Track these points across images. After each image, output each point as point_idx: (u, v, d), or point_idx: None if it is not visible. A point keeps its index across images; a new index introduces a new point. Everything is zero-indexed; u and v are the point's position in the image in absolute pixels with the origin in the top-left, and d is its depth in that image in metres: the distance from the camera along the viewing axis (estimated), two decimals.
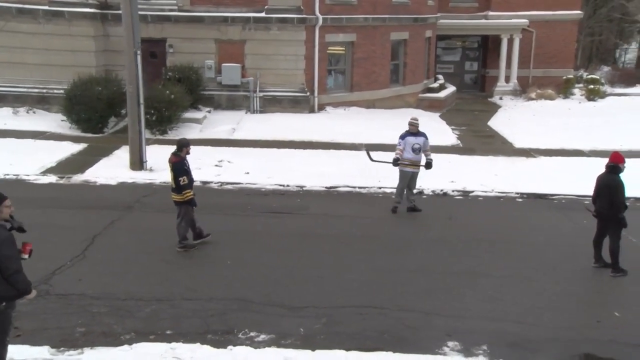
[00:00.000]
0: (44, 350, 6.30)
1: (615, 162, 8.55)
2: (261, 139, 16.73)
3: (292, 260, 8.94)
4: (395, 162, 11.24)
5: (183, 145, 9.11)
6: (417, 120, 11.30)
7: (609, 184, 8.44)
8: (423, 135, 11.26)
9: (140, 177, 13.07)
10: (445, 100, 23.74)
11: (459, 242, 9.83)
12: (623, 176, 8.60)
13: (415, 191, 12.36)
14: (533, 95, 25.27)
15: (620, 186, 8.39)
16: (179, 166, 8.96)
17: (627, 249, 9.01)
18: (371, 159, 12.23)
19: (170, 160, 9.09)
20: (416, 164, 11.21)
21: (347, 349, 6.52)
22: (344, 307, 7.49)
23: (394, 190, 11.53)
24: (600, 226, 8.78)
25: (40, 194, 11.87)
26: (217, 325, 7.00)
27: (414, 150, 11.08)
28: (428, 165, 11.33)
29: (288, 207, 11.44)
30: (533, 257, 9.25)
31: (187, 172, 9.02)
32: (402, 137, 11.22)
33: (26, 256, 5.65)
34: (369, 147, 15.41)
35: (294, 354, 6.42)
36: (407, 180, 11.24)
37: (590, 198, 9.15)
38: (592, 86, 25.59)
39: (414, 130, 11.16)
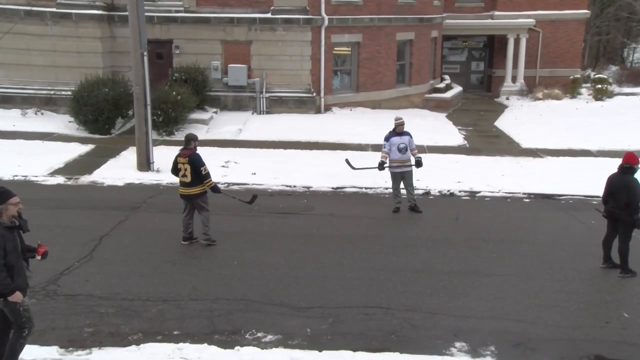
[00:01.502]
0: (53, 350, 6.33)
1: (631, 163, 8.46)
2: (267, 139, 16.76)
3: (298, 261, 8.95)
4: (381, 167, 11.21)
5: (192, 139, 9.24)
6: (402, 119, 11.29)
7: (628, 185, 8.31)
8: (407, 134, 11.25)
9: (147, 177, 13.12)
10: (451, 100, 23.69)
11: (466, 242, 9.80)
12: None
13: (421, 191, 12.37)
14: (540, 95, 25.17)
15: (638, 187, 8.31)
16: (195, 158, 9.05)
17: (638, 250, 8.96)
18: (352, 168, 12.13)
19: (183, 155, 9.14)
20: (404, 164, 11.17)
21: (354, 350, 6.51)
22: (350, 307, 7.49)
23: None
24: (612, 226, 8.71)
25: (48, 194, 11.94)
26: (224, 325, 7.02)
27: (400, 150, 11.06)
28: (418, 163, 11.27)
29: (294, 208, 11.45)
30: (540, 258, 9.22)
31: (204, 163, 9.13)
32: (387, 138, 11.19)
33: (39, 257, 5.69)
34: (375, 148, 15.42)
35: (301, 355, 6.42)
36: (399, 180, 11.26)
37: (600, 198, 9.08)
38: (599, 86, 25.44)
39: (400, 130, 11.14)
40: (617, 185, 8.44)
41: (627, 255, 8.54)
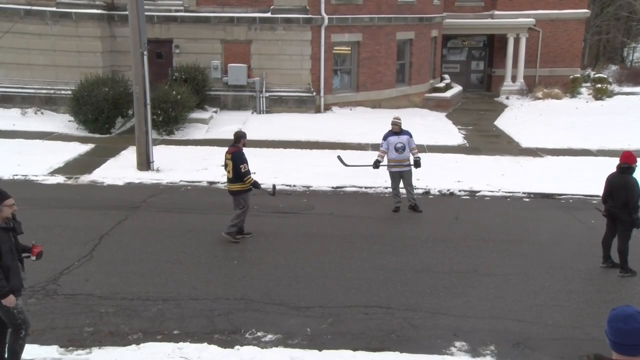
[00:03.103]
0: (53, 350, 6.33)
1: (629, 163, 8.46)
2: (267, 139, 16.75)
3: (298, 260, 8.95)
4: (376, 165, 11.23)
5: (240, 137, 9.57)
6: (399, 119, 11.31)
7: (625, 185, 8.31)
8: (407, 133, 11.24)
9: (147, 177, 13.12)
10: (451, 99, 23.69)
11: (466, 241, 9.80)
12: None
13: (421, 191, 12.36)
14: (540, 94, 25.16)
15: (636, 186, 8.33)
16: (237, 155, 9.36)
17: (637, 249, 8.96)
18: (345, 164, 12.13)
19: (228, 151, 9.47)
20: (402, 163, 11.17)
21: (354, 349, 6.52)
22: (350, 306, 7.49)
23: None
24: (611, 226, 8.71)
25: (48, 194, 11.94)
26: (224, 325, 7.02)
27: (397, 149, 11.07)
28: (416, 164, 11.25)
29: (294, 207, 11.44)
30: (540, 257, 9.22)
31: (246, 161, 9.39)
32: (385, 137, 11.23)
33: (33, 258, 5.68)
34: (375, 147, 15.44)
35: (301, 354, 6.42)
36: (397, 180, 11.27)
37: (600, 198, 9.08)
38: (599, 85, 25.44)
39: (396, 130, 11.14)
40: (616, 184, 8.44)
41: (627, 254, 8.55)
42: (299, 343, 6.69)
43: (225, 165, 9.58)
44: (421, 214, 11.17)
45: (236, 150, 9.42)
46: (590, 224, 10.68)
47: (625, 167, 8.45)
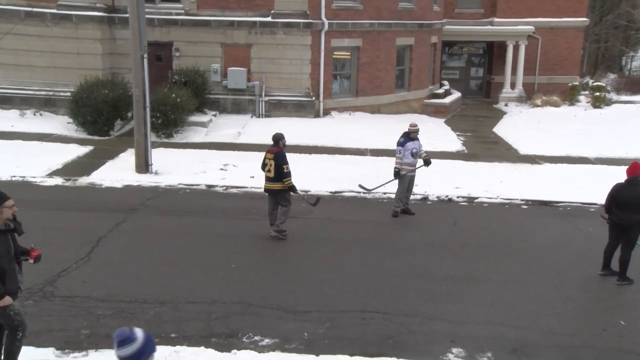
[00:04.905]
0: (49, 352, 6.31)
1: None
2: (266, 143, 16.58)
3: (296, 264, 8.95)
4: (397, 175, 11.36)
5: (279, 139, 9.84)
6: (416, 125, 11.49)
7: None
8: (418, 139, 11.50)
9: (145, 180, 13.11)
10: (450, 106, 23.74)
11: (463, 247, 9.81)
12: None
13: (419, 196, 12.41)
14: (538, 101, 25.24)
15: None
16: (280, 156, 9.59)
17: (635, 258, 8.97)
18: (367, 190, 12.48)
19: (271, 151, 9.69)
20: (415, 167, 11.46)
21: (351, 354, 6.50)
22: (347, 311, 7.49)
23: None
24: (616, 236, 8.69)
25: (46, 196, 11.92)
26: (221, 328, 7.01)
27: (412, 154, 11.29)
28: (427, 162, 11.45)
29: (292, 211, 11.41)
30: (538, 264, 9.23)
31: (287, 162, 9.61)
32: (402, 144, 11.31)
33: (31, 261, 5.67)
34: (374, 153, 15.46)
35: (298, 359, 6.41)
36: (406, 184, 11.38)
37: (599, 205, 9.06)
38: (597, 93, 25.54)
39: (413, 136, 11.30)
40: (632, 197, 8.34)
41: (628, 264, 8.54)
42: (296, 347, 6.68)
43: (264, 165, 9.75)
44: (420, 219, 11.19)
45: (279, 151, 9.65)
46: (587, 231, 10.69)
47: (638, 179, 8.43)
